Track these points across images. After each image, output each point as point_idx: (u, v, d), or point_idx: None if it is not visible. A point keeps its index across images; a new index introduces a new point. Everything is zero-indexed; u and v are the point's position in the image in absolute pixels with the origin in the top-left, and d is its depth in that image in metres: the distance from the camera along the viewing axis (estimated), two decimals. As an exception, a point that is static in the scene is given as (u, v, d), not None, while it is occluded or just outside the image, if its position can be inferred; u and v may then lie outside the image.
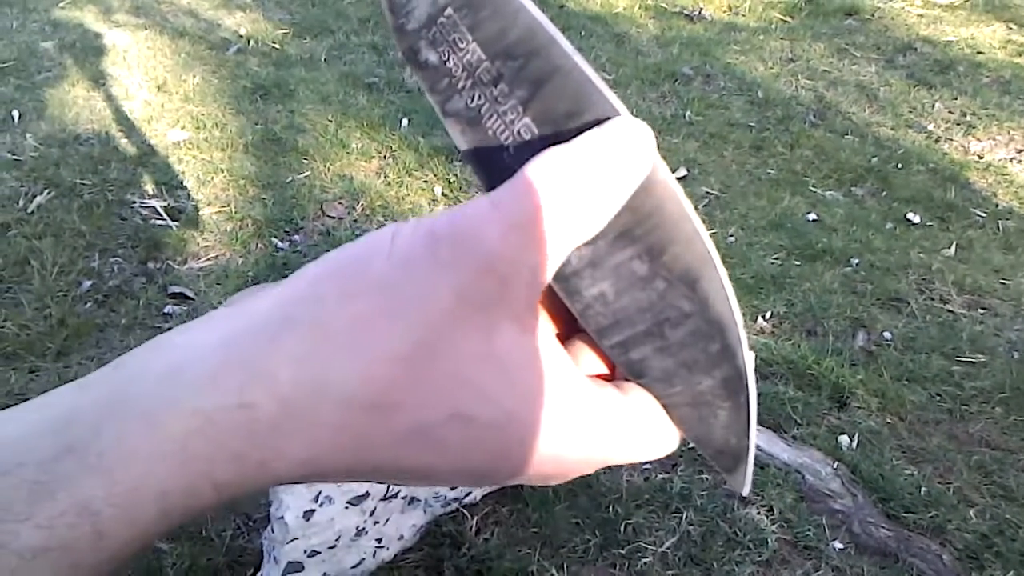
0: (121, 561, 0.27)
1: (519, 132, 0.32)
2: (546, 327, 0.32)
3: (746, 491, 0.35)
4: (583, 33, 4.21)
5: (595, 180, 0.29)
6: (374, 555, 1.58)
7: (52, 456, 0.26)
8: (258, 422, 0.27)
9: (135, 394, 0.27)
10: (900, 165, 3.19)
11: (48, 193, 2.76)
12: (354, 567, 1.55)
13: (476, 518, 1.73)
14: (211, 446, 0.27)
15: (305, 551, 1.47)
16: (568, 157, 0.29)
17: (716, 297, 0.31)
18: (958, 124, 3.50)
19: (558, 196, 0.29)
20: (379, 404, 0.28)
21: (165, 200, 2.77)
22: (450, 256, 0.28)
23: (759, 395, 1.88)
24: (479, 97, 0.33)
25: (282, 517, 1.44)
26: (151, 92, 3.45)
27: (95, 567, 0.26)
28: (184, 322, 1.60)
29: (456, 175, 2.97)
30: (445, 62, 0.34)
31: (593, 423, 0.31)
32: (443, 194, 2.88)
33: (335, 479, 0.30)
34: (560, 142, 0.30)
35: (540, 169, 0.29)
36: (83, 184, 2.82)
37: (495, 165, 0.32)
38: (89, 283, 2.40)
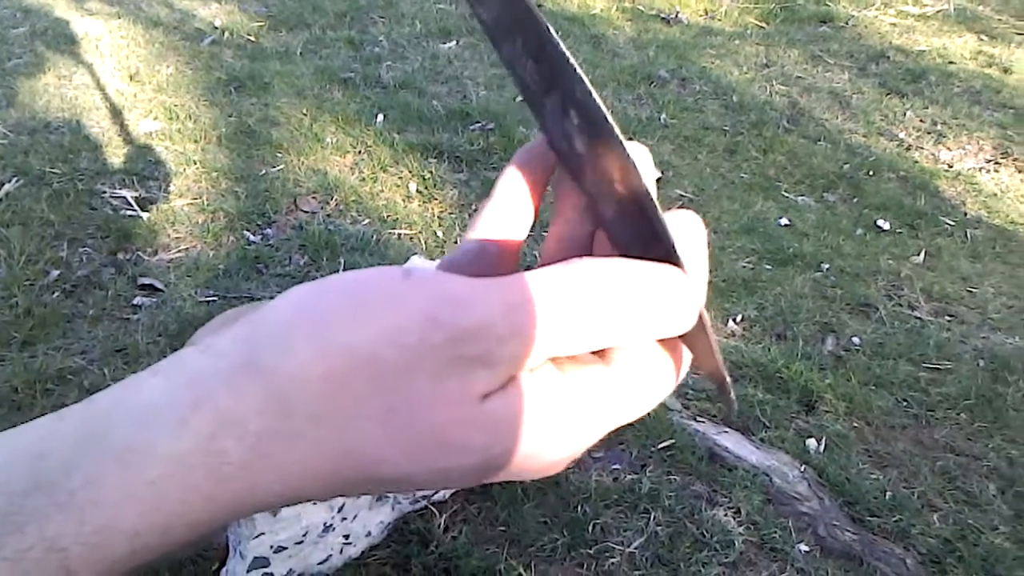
0: None
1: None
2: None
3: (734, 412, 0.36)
4: (560, 34, 4.17)
5: (621, 322, 0.30)
6: (341, 551, 1.57)
7: (22, 490, 0.26)
8: (230, 465, 0.27)
9: (108, 435, 0.27)
10: (871, 172, 3.22)
11: (17, 181, 2.73)
12: (321, 563, 1.55)
13: (444, 516, 1.73)
14: (184, 489, 0.27)
15: (271, 546, 1.46)
16: (605, 287, 0.30)
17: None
18: (929, 133, 3.54)
19: (577, 316, 0.29)
20: (354, 457, 0.28)
21: (136, 190, 2.75)
22: (449, 352, 0.28)
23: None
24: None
25: (249, 512, 1.43)
26: (123, 81, 3.42)
27: None
28: (153, 314, 1.59)
29: (431, 172, 2.96)
30: None
31: (579, 421, 0.31)
32: (417, 191, 2.87)
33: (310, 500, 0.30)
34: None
35: (562, 283, 0.29)
36: (53, 173, 2.78)
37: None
38: (57, 273, 2.37)
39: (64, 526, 0.26)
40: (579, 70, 0.32)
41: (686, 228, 0.34)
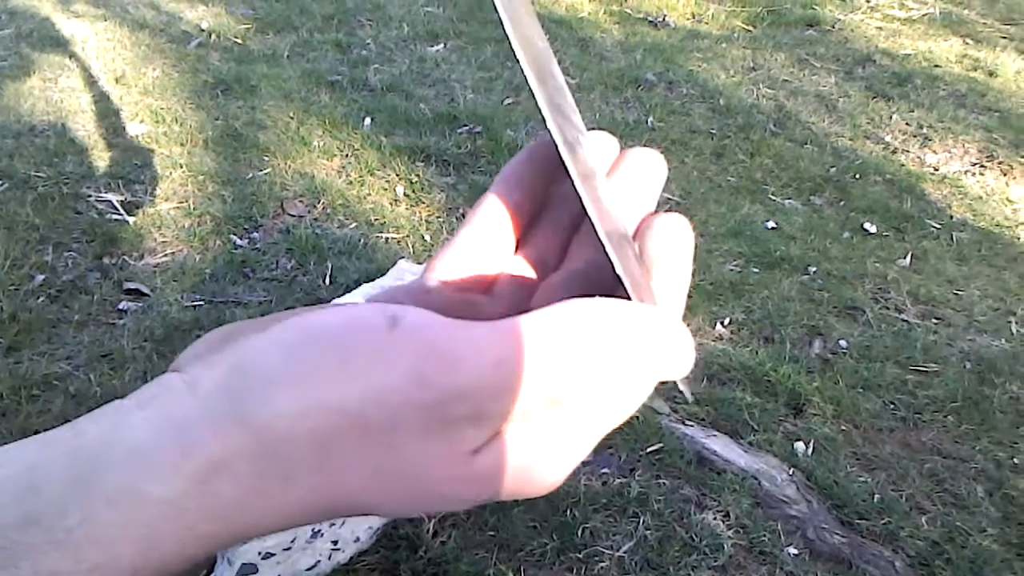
0: None
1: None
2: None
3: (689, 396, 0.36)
4: (548, 37, 4.19)
5: (613, 372, 0.30)
6: (329, 557, 1.56)
7: (15, 524, 0.26)
8: (224, 507, 0.27)
9: (100, 476, 0.27)
10: (858, 175, 3.23)
11: (1, 185, 2.71)
12: (309, 570, 1.54)
13: (433, 521, 1.72)
14: (180, 529, 0.27)
15: (259, 553, 1.45)
16: (591, 339, 0.29)
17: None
18: (915, 136, 3.55)
19: (560, 362, 0.29)
20: (346, 499, 0.29)
21: (122, 194, 2.73)
22: (437, 413, 0.28)
23: (718, 401, 1.88)
24: None
25: (237, 518, 1.42)
26: (109, 84, 3.40)
27: None
28: (139, 319, 1.57)
29: (418, 175, 2.96)
30: None
31: (569, 444, 0.31)
32: (405, 194, 2.86)
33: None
34: None
35: (550, 326, 0.29)
36: (37, 176, 2.77)
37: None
38: (42, 277, 2.35)
39: (60, 563, 0.26)
40: (551, 118, 0.32)
41: (672, 233, 0.34)
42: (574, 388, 0.30)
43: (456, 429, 0.28)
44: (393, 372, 0.28)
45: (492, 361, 0.28)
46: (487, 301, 0.37)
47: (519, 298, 0.37)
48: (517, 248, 0.38)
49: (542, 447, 0.30)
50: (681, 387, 0.34)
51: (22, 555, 0.26)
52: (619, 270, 0.31)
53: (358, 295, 1.87)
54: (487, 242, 0.37)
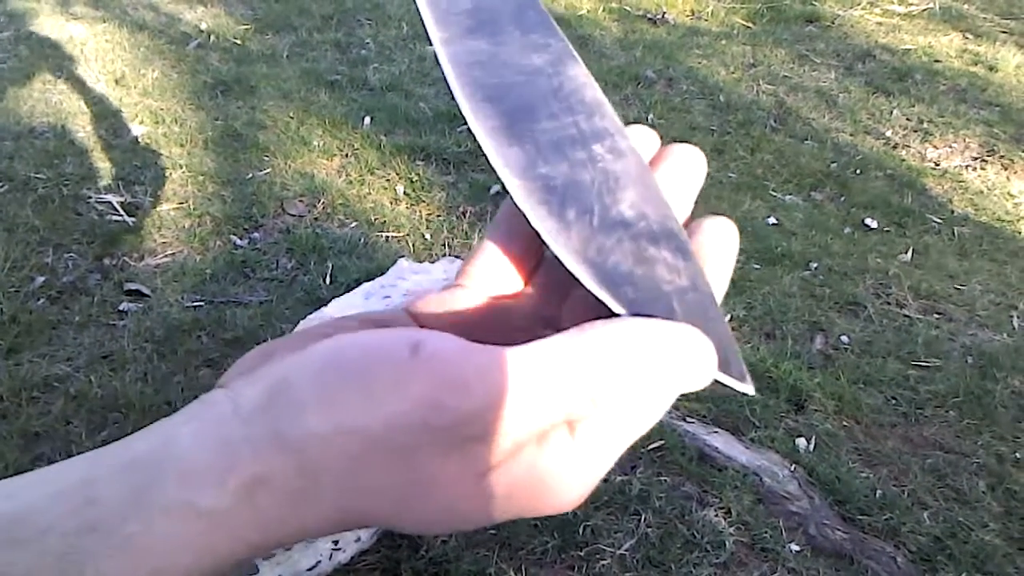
0: None
1: None
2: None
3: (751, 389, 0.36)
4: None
5: (632, 391, 0.31)
6: (330, 557, 1.56)
7: (77, 530, 0.28)
8: (267, 520, 0.30)
9: (153, 489, 0.29)
10: (858, 171, 3.22)
11: (1, 187, 2.71)
12: (310, 569, 1.54)
13: (434, 519, 1.72)
14: (229, 539, 0.30)
15: (260, 553, 1.45)
16: (606, 360, 0.30)
17: None
18: (915, 131, 3.55)
19: (576, 384, 0.30)
20: (373, 515, 0.31)
21: (122, 195, 2.73)
22: (451, 435, 0.30)
23: (719, 397, 1.88)
24: None
25: (237, 518, 1.42)
26: (109, 86, 3.40)
27: None
28: (139, 320, 1.58)
29: (418, 174, 2.95)
30: None
31: (589, 464, 0.32)
32: (405, 193, 2.86)
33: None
34: None
35: (566, 354, 0.30)
36: (38, 178, 2.77)
37: None
38: (42, 279, 2.35)
39: (121, 566, 0.28)
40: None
41: (717, 238, 0.37)
42: (591, 407, 0.31)
43: (471, 449, 0.30)
44: (411, 399, 0.30)
45: (502, 385, 0.30)
46: (517, 305, 0.38)
47: (550, 303, 0.38)
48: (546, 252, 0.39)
49: (559, 466, 0.31)
50: (734, 385, 0.34)
51: (85, 560, 0.28)
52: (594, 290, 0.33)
53: (359, 294, 1.87)
54: (516, 247, 0.39)
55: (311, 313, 1.86)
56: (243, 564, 0.31)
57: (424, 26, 0.38)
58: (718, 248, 0.37)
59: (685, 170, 0.39)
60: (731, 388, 0.34)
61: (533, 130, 0.36)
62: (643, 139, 0.40)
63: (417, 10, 0.39)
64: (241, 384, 0.32)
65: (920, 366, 2.27)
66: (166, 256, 2.50)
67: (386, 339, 0.32)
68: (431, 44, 0.37)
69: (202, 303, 2.31)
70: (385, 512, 0.31)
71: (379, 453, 0.30)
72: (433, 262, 2.02)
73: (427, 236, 2.65)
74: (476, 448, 0.30)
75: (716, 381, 0.34)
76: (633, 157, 0.37)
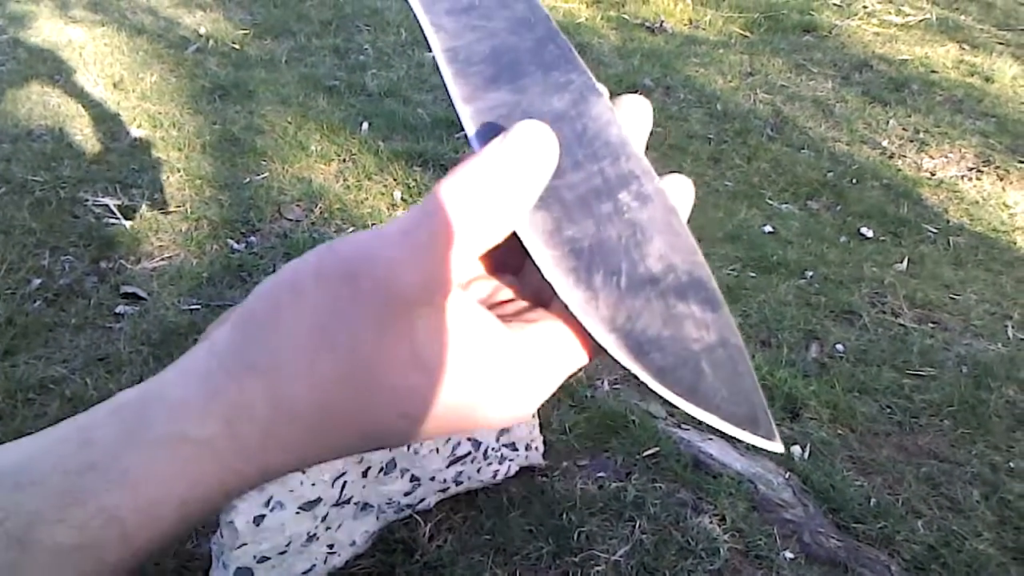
0: (143, 558, 0.32)
1: None
2: (460, 298, 0.35)
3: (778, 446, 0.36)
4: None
5: (498, 193, 0.33)
6: (325, 561, 1.56)
7: (77, 469, 0.31)
8: (248, 447, 0.32)
9: (144, 424, 0.32)
10: (855, 180, 3.23)
11: (-2, 189, 2.71)
12: (305, 573, 1.54)
13: (429, 524, 1.72)
14: (217, 466, 0.32)
15: (255, 556, 1.45)
16: (471, 172, 0.33)
17: None
18: (911, 141, 3.56)
19: (464, 212, 0.32)
20: (334, 418, 0.33)
21: (119, 199, 2.73)
22: (369, 290, 0.32)
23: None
24: None
25: (232, 522, 1.42)
26: (107, 89, 3.40)
27: (119, 563, 0.31)
28: (136, 323, 1.58)
29: (416, 180, 2.96)
30: None
31: (529, 365, 0.35)
32: (402, 199, 2.87)
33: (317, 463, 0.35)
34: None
35: (447, 189, 0.33)
36: (35, 181, 2.77)
37: None
38: (39, 281, 2.35)
39: (121, 498, 0.31)
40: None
41: (632, 112, 0.40)
42: (495, 228, 0.33)
43: (398, 313, 0.32)
44: (333, 286, 0.32)
45: (397, 231, 0.33)
46: (517, 281, 0.41)
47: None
48: None
49: (485, 335, 0.34)
50: (762, 444, 0.35)
51: (87, 495, 0.31)
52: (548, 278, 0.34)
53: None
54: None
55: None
56: (231, 496, 0.33)
57: (443, 81, 0.39)
58: (633, 122, 0.40)
59: (632, 119, 0.41)
60: (759, 447, 0.34)
61: (558, 187, 0.36)
62: (634, 108, 0.41)
63: (436, 67, 0.39)
64: (215, 331, 0.35)
65: (915, 375, 2.28)
66: (163, 259, 2.50)
67: (305, 255, 0.34)
68: (451, 101, 0.38)
69: (198, 306, 2.31)
70: (342, 408, 0.33)
71: (327, 346, 0.32)
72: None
73: (424, 242, 2.65)
74: (399, 309, 0.32)
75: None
76: (659, 199, 0.38)
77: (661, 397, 0.34)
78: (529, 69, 0.40)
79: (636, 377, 0.33)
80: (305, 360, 0.32)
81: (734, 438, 0.33)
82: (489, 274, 0.41)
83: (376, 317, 0.32)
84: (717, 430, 0.34)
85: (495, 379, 0.34)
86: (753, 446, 1.74)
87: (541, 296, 0.39)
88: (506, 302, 0.39)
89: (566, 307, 0.34)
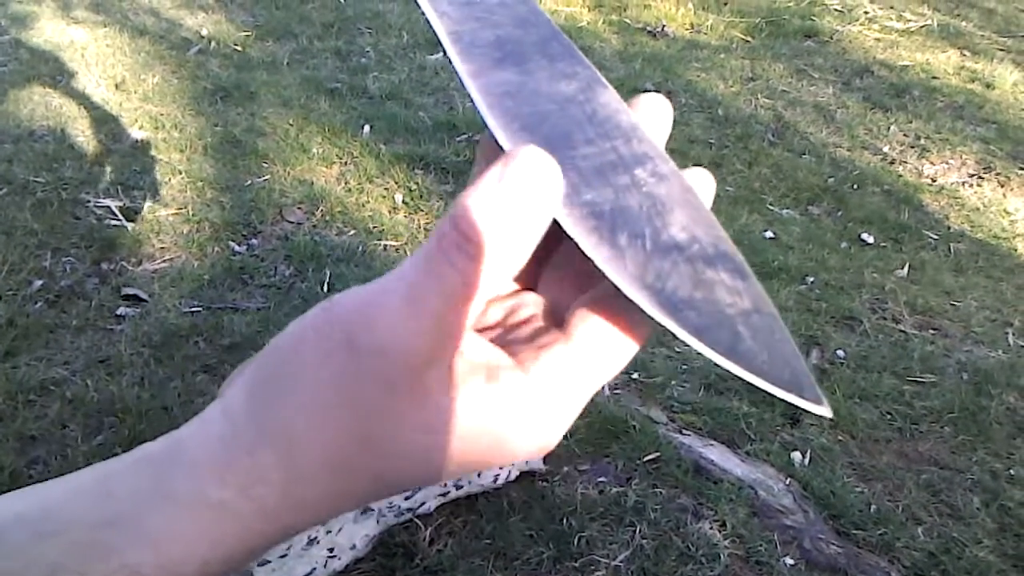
0: None
1: None
2: (471, 346, 0.34)
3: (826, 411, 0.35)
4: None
5: (504, 231, 0.30)
6: (325, 565, 1.56)
7: (98, 522, 0.31)
8: (266, 509, 0.32)
9: (166, 482, 0.32)
10: (856, 186, 3.23)
11: (0, 190, 2.71)
12: (305, 577, 1.54)
13: (429, 529, 1.72)
14: (239, 528, 0.32)
15: (255, 560, 1.45)
16: (477, 207, 0.30)
17: None
18: (912, 147, 3.56)
19: (471, 266, 0.30)
20: (352, 475, 0.33)
21: (120, 200, 2.73)
22: (372, 357, 0.31)
23: (715, 410, 1.88)
24: None
25: (233, 525, 1.42)
26: (109, 90, 3.40)
27: None
28: (137, 325, 1.58)
29: (417, 183, 2.96)
30: None
31: (552, 402, 0.34)
32: (404, 202, 2.87)
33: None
34: None
35: (448, 240, 0.30)
36: (36, 182, 2.77)
37: None
38: (40, 283, 2.35)
39: (143, 556, 0.31)
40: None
41: (652, 111, 0.39)
42: (505, 266, 0.31)
43: (405, 377, 0.31)
44: (331, 349, 0.31)
45: (399, 296, 0.31)
46: (533, 300, 0.39)
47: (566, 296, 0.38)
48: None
49: (514, 398, 0.33)
50: (810, 408, 0.34)
51: (110, 550, 0.31)
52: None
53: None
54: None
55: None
56: (254, 554, 0.33)
57: (450, 61, 0.38)
58: (653, 120, 0.38)
59: (653, 117, 0.39)
60: (806, 411, 0.33)
61: (573, 157, 0.35)
62: (654, 107, 0.40)
63: (441, 47, 0.38)
64: (229, 391, 0.34)
65: (915, 381, 2.28)
66: (164, 261, 2.50)
67: (307, 314, 0.33)
68: (459, 78, 0.37)
69: (200, 309, 2.31)
70: (352, 468, 0.32)
71: (336, 412, 0.31)
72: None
73: (425, 245, 2.65)
74: (408, 375, 0.31)
75: (791, 405, 0.33)
76: (676, 180, 0.36)
77: (703, 355, 0.33)
78: (535, 58, 0.39)
79: (674, 336, 0.32)
80: (316, 426, 0.32)
81: (784, 401, 0.32)
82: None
83: (382, 381, 0.31)
84: (766, 392, 0.33)
85: (513, 421, 0.33)
86: (752, 453, 1.72)
87: (557, 313, 0.37)
88: (521, 323, 0.38)
89: (594, 270, 0.33)
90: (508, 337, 0.36)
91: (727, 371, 0.32)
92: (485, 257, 0.30)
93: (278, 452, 0.32)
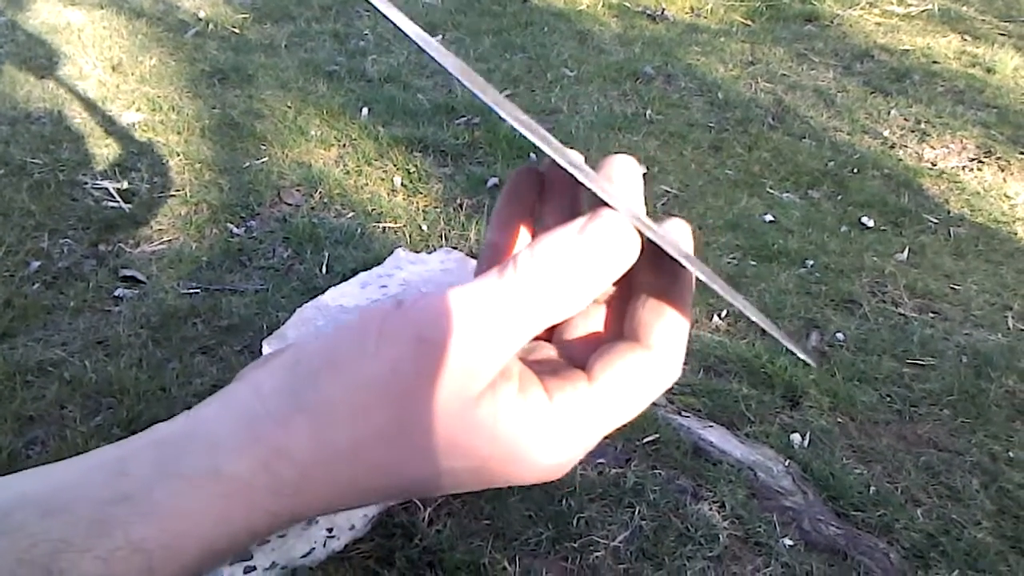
0: None
1: None
2: (516, 373, 0.35)
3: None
4: (546, 29, 4.21)
5: (571, 282, 0.33)
6: (324, 545, 1.56)
7: (110, 499, 0.31)
8: (284, 487, 0.33)
9: (181, 459, 0.32)
10: (856, 170, 3.23)
11: (-3, 171, 2.70)
12: (304, 556, 1.54)
13: (429, 509, 1.72)
14: (248, 505, 0.32)
15: (255, 539, 1.45)
16: (554, 250, 0.33)
17: None
18: (913, 131, 3.55)
19: (533, 292, 0.33)
20: (369, 471, 0.33)
21: (118, 182, 2.72)
22: (434, 358, 0.32)
23: (714, 392, 1.88)
24: None
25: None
26: (106, 72, 3.39)
27: None
28: (135, 306, 1.58)
29: (415, 166, 2.95)
30: None
31: (568, 433, 0.35)
32: (402, 184, 2.86)
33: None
34: None
35: (528, 263, 0.33)
36: (34, 163, 2.76)
37: None
38: (38, 264, 2.35)
39: (148, 531, 0.31)
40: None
41: (621, 171, 0.39)
42: (559, 312, 0.34)
43: (455, 378, 0.32)
44: (402, 341, 0.32)
45: (470, 302, 0.33)
46: (548, 346, 0.41)
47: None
48: None
49: (536, 419, 0.34)
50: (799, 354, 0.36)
51: (115, 526, 0.31)
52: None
53: (355, 283, 1.87)
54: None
55: (307, 302, 1.85)
56: (257, 536, 0.33)
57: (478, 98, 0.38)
58: (623, 178, 0.39)
59: (621, 179, 0.40)
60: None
61: None
62: (622, 169, 0.40)
63: (460, 83, 0.38)
64: (257, 373, 0.35)
65: (915, 364, 2.28)
66: (162, 243, 2.50)
67: (375, 304, 0.35)
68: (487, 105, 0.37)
69: (198, 290, 2.31)
70: (385, 464, 0.33)
71: (382, 400, 0.32)
72: (430, 253, 2.02)
73: (424, 227, 2.64)
74: (455, 376, 0.32)
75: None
76: None
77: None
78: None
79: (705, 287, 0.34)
80: (355, 409, 0.32)
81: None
82: None
83: (436, 385, 0.32)
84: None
85: (532, 438, 0.34)
86: (752, 435, 1.72)
87: (573, 360, 0.39)
88: (543, 360, 0.40)
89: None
90: (534, 366, 0.38)
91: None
92: (553, 296, 0.33)
93: (315, 424, 0.32)
